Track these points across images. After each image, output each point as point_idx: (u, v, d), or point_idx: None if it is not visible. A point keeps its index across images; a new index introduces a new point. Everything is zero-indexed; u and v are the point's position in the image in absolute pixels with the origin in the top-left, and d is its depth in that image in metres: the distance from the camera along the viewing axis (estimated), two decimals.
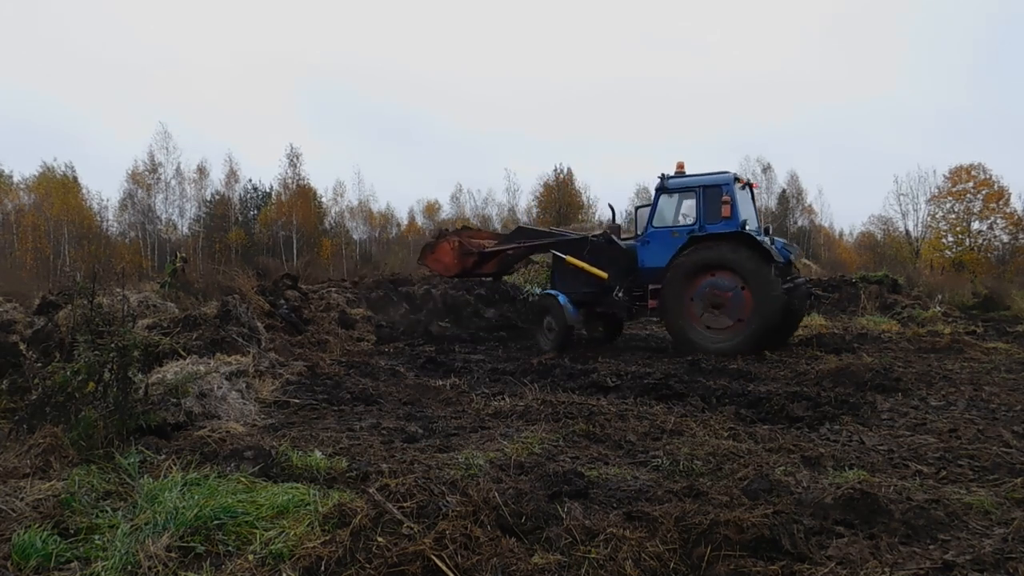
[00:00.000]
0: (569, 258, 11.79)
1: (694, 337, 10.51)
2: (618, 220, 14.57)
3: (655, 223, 11.33)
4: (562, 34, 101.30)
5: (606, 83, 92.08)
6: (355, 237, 57.11)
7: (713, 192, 10.77)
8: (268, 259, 32.72)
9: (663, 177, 11.35)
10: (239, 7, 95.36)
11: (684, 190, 11.23)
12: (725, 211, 10.60)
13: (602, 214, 52.90)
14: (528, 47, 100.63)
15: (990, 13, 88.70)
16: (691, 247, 10.65)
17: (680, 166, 11.59)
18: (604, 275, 11.44)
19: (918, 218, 48.44)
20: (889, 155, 79.21)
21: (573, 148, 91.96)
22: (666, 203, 11.42)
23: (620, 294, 11.42)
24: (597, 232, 12.21)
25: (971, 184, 44.89)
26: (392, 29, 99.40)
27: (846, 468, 4.61)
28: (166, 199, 49.66)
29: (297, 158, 52.26)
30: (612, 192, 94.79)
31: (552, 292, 11.80)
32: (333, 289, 16.12)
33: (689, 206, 11.26)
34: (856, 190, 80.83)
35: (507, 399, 7.06)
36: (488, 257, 13.18)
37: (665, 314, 10.89)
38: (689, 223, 11.11)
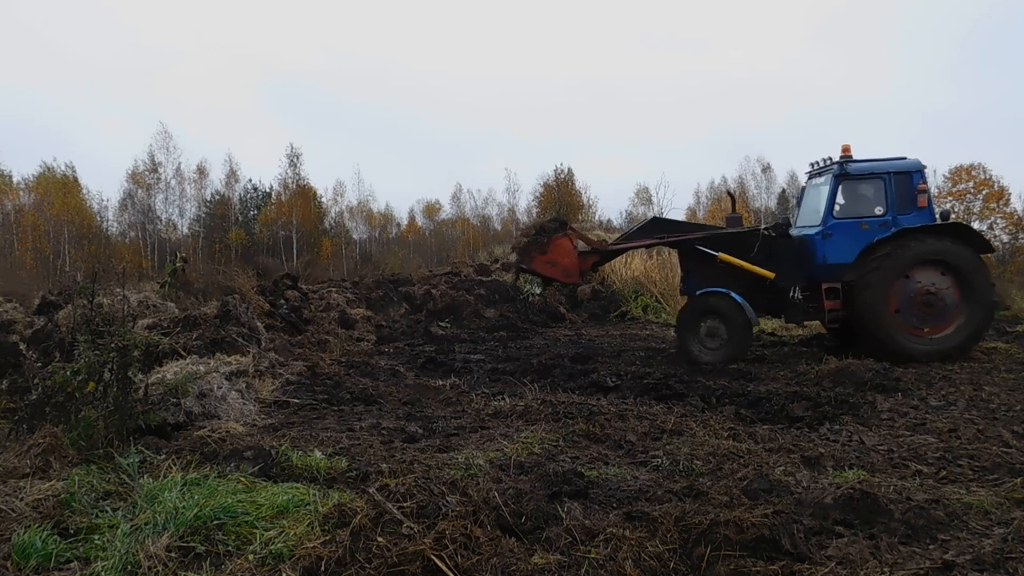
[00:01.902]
0: (723, 255, 10.15)
1: (899, 340, 9.36)
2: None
3: (836, 214, 10.03)
4: (562, 34, 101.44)
5: (606, 83, 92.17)
6: (355, 237, 57.11)
7: (903, 179, 9.80)
8: (268, 259, 32.71)
9: (841, 162, 10.06)
10: (239, 9, 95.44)
11: (870, 177, 10.00)
12: (922, 201, 9.72)
13: (602, 214, 52.84)
14: (528, 47, 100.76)
15: (987, 13, 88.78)
16: (896, 241, 9.53)
17: (846, 149, 10.32)
18: (771, 274, 9.95)
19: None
20: (889, 155, 79.10)
21: (573, 148, 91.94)
22: (848, 191, 10.11)
23: (797, 295, 9.98)
24: (768, 225, 10.66)
25: (971, 184, 44.89)
26: (392, 30, 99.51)
27: (846, 468, 4.61)
28: (166, 199, 49.62)
29: (297, 158, 52.23)
30: (611, 192, 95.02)
31: (720, 290, 9.96)
32: (333, 289, 16.13)
33: (873, 195, 10.05)
34: None
35: (507, 399, 7.05)
36: (611, 256, 11.20)
37: (861, 316, 9.54)
38: (878, 214, 9.90)
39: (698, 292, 10.11)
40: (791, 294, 10.01)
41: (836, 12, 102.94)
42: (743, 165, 59.99)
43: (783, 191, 55.60)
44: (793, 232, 10.46)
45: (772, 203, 54.28)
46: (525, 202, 59.21)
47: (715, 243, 10.31)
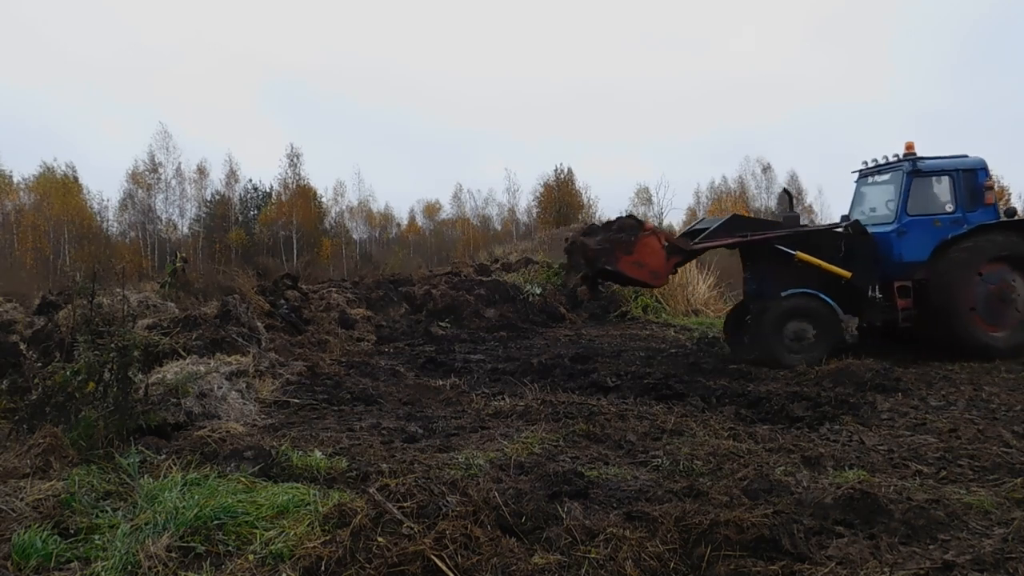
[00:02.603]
0: (801, 254, 9.77)
1: (979, 336, 9.39)
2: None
3: (911, 211, 9.97)
4: (562, 34, 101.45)
5: (606, 83, 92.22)
6: (355, 237, 57.16)
7: (970, 176, 9.88)
8: (268, 259, 32.65)
9: (913, 159, 10.02)
10: (239, 9, 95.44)
11: (940, 174, 10.05)
12: (990, 198, 9.88)
13: (602, 214, 52.84)
14: (528, 47, 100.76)
15: (987, 13, 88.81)
16: (975, 237, 9.59)
17: (910, 146, 10.35)
18: (847, 274, 9.68)
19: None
20: (890, 154, 79.04)
21: (573, 148, 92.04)
22: (920, 188, 10.07)
23: (878, 294, 9.82)
24: (845, 223, 10.41)
25: None
26: (392, 30, 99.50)
27: (846, 468, 4.61)
28: (166, 199, 49.72)
29: (297, 158, 52.29)
30: (611, 191, 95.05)
31: (807, 291, 9.64)
32: (333, 289, 16.11)
33: (942, 192, 10.06)
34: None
35: (507, 399, 7.05)
36: (693, 256, 10.61)
37: (941, 313, 9.52)
38: (948, 211, 9.91)
39: (784, 293, 9.78)
40: (870, 293, 9.85)
41: (836, 12, 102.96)
42: (743, 165, 60.12)
43: (783, 191, 55.62)
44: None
45: (772, 203, 54.32)
46: (525, 202, 59.31)
47: (792, 242, 9.97)
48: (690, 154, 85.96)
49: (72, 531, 3.45)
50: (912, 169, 9.98)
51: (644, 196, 54.23)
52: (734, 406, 6.61)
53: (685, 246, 9.95)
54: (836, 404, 6.46)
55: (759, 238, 10.12)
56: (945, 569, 3.04)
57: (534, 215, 56.24)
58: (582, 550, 3.12)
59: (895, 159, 10.35)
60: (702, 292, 17.36)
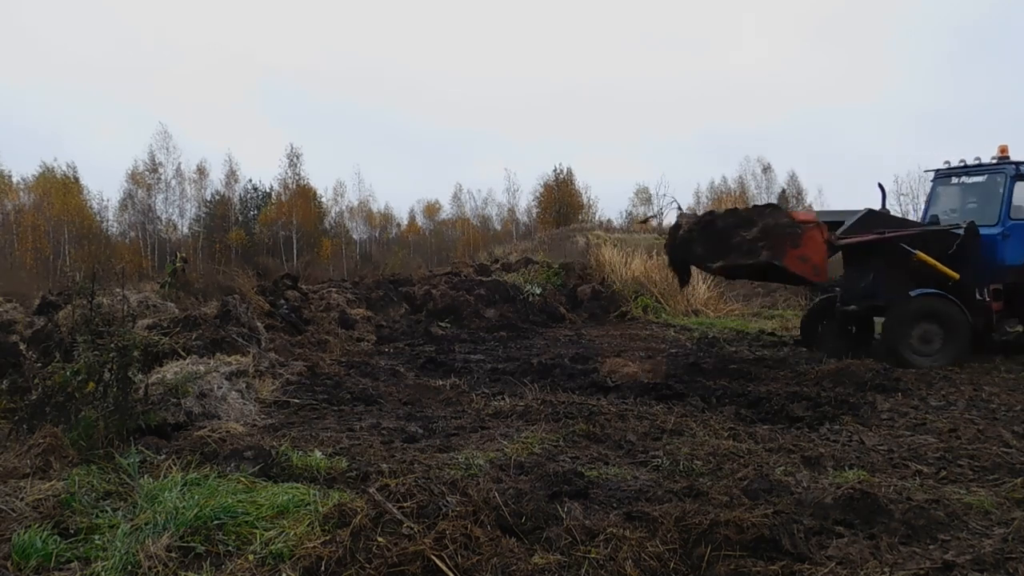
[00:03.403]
0: (920, 254, 9.52)
1: None
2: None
3: (1013, 215, 10.01)
4: (562, 34, 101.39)
5: (606, 83, 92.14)
6: (355, 237, 57.15)
7: None
8: (268, 259, 32.71)
9: (1016, 163, 10.13)
10: (240, 9, 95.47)
11: None
12: None
13: (602, 214, 52.81)
14: (528, 47, 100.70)
15: (987, 13, 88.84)
16: None
17: (1004, 149, 10.33)
18: (956, 275, 9.51)
19: (918, 218, 48.28)
20: (889, 155, 79.21)
21: (573, 148, 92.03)
22: (1019, 193, 10.10)
23: (987, 296, 9.72)
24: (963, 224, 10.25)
25: None
26: (392, 30, 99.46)
27: (846, 468, 4.61)
28: (166, 199, 49.72)
29: (297, 158, 52.25)
30: (611, 191, 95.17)
31: (937, 292, 9.38)
32: (333, 289, 16.11)
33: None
34: (857, 190, 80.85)
35: (507, 399, 7.05)
36: (837, 251, 10.23)
37: None
38: None
39: (913, 293, 9.55)
40: (978, 296, 9.73)
41: (836, 12, 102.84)
42: (743, 165, 60.02)
43: (783, 191, 55.59)
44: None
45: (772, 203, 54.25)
46: (525, 202, 59.24)
47: (913, 241, 9.80)
48: (690, 154, 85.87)
49: (72, 531, 3.45)
50: (1016, 173, 9.99)
51: (644, 196, 54.26)
52: (734, 406, 6.61)
53: (835, 241, 9.51)
54: (836, 404, 6.46)
55: (893, 235, 9.78)
56: (945, 569, 3.05)
57: (534, 215, 56.22)
58: (582, 550, 3.12)
59: (993, 161, 10.34)
60: (702, 292, 17.36)
